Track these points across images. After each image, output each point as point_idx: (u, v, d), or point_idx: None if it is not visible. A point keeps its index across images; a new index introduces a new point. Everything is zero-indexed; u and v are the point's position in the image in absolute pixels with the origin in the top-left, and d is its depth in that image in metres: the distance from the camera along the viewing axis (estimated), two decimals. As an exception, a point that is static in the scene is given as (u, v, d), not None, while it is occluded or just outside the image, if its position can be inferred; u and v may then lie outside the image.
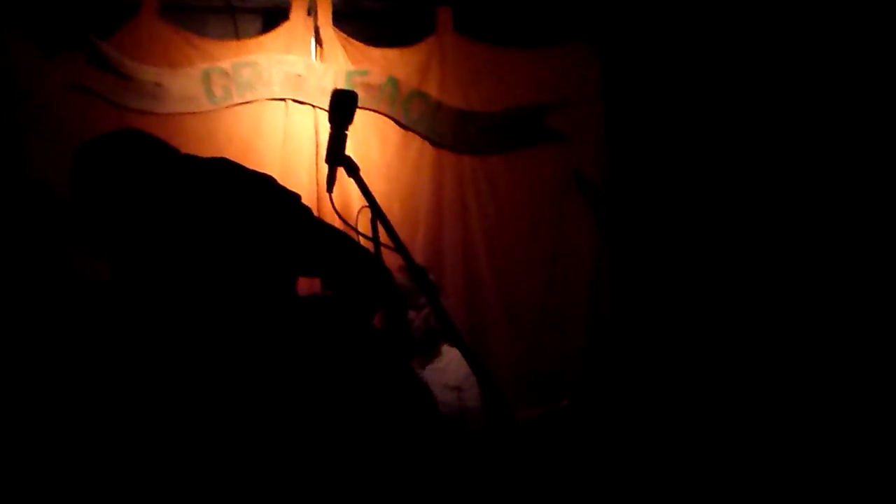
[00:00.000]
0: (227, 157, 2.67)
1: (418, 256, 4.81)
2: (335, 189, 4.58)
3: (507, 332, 5.07)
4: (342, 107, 2.69)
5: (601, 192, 5.16)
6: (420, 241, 4.98)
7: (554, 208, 5.23)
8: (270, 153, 4.68)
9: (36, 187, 4.15)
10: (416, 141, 5.05)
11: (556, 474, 4.52)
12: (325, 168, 2.69)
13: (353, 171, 2.63)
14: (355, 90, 2.88)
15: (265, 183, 2.62)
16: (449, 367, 4.36)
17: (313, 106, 4.78)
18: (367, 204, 2.68)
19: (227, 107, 4.66)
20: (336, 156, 2.64)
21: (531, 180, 5.22)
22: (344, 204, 4.46)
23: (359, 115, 4.56)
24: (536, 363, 5.09)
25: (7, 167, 4.27)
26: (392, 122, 5.00)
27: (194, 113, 4.60)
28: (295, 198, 2.65)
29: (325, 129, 2.74)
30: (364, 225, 2.88)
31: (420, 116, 5.05)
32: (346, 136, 2.66)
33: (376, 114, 4.95)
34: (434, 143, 5.09)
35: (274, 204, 2.59)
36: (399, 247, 2.58)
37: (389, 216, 4.58)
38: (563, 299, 5.18)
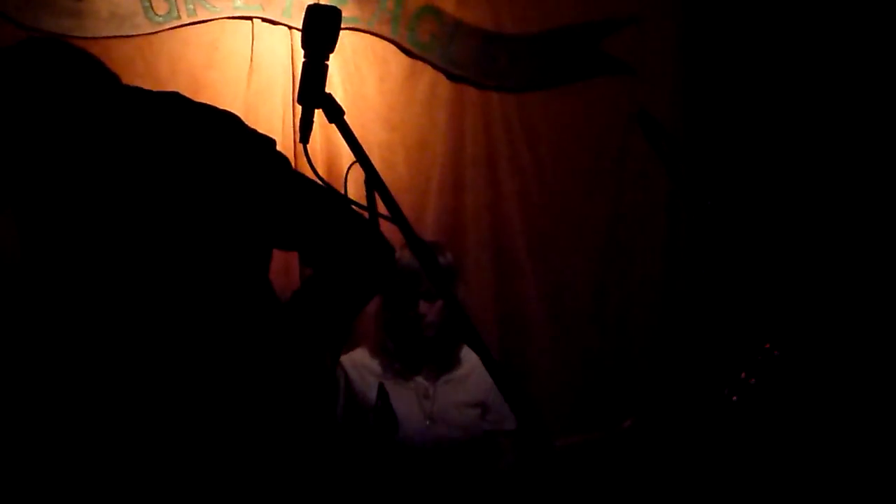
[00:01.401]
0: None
1: (430, 230, 4.83)
2: (320, 140, 4.50)
3: (550, 332, 5.12)
4: (319, 27, 2.61)
5: (676, 140, 5.09)
6: (433, 209, 4.96)
7: (613, 163, 5.25)
8: (231, 91, 4.61)
9: None
10: (426, 73, 5.03)
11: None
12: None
13: (335, 115, 2.58)
14: (340, 5, 2.79)
15: (230, 123, 2.68)
16: (469, 379, 4.35)
17: (289, 27, 4.71)
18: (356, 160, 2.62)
19: (172, 28, 4.56)
20: (312, 94, 2.58)
21: (582, 125, 5.22)
22: (331, 159, 4.52)
23: (350, 38, 4.79)
24: (589, 372, 5.14)
25: None
26: (394, 48, 4.96)
27: (129, 37, 4.50)
28: (269, 143, 2.71)
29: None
30: (357, 188, 2.82)
31: (432, 40, 5.01)
32: (326, 67, 2.60)
33: (373, 37, 4.89)
34: (451, 77, 5.06)
35: (243, 151, 2.64)
36: (397, 217, 2.53)
37: (392, 175, 4.71)
38: (624, 287, 5.22)
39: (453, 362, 4.35)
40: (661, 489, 4.54)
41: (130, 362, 2.57)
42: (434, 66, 5.02)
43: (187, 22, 4.59)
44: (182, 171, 2.55)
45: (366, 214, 2.81)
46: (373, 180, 2.58)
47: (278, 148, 2.76)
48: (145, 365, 2.57)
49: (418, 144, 4.95)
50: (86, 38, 4.38)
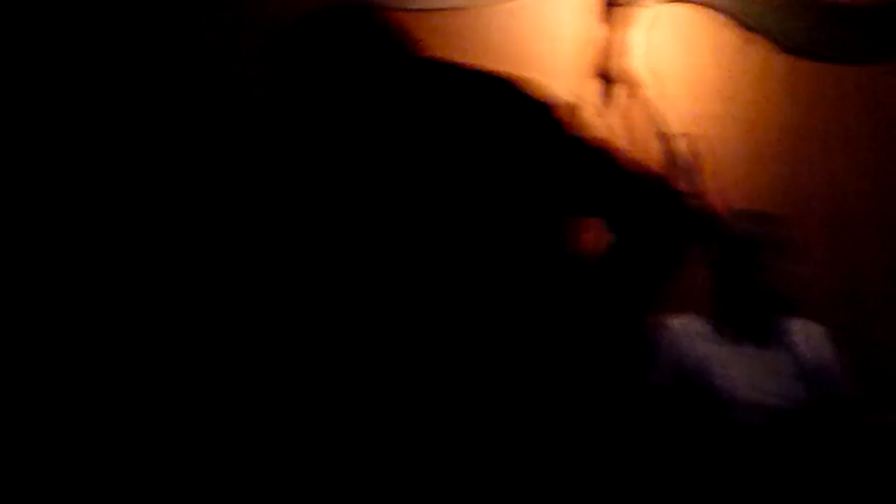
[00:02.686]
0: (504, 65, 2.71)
1: (764, 202, 4.70)
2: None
3: (890, 308, 4.99)
4: None
5: None
6: (767, 182, 4.89)
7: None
8: (559, 65, 4.56)
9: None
10: (760, 45, 4.97)
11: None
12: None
13: (633, 89, 2.50)
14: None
15: (512, 89, 2.64)
16: (799, 348, 4.27)
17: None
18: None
19: (502, 3, 4.69)
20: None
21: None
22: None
23: (684, 10, 4.80)
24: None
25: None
26: (728, 20, 4.94)
27: (460, 9, 4.65)
28: (546, 108, 2.65)
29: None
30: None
31: (766, 11, 4.97)
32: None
33: (705, 8, 4.90)
34: (786, 49, 4.99)
35: (527, 117, 2.61)
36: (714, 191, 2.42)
37: (724, 146, 4.56)
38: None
39: (783, 332, 4.27)
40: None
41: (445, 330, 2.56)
42: (768, 39, 4.95)
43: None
44: (469, 142, 2.54)
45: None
46: (688, 154, 2.51)
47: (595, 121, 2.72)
48: (450, 335, 2.56)
49: (751, 116, 4.87)
50: (419, 10, 4.50)
